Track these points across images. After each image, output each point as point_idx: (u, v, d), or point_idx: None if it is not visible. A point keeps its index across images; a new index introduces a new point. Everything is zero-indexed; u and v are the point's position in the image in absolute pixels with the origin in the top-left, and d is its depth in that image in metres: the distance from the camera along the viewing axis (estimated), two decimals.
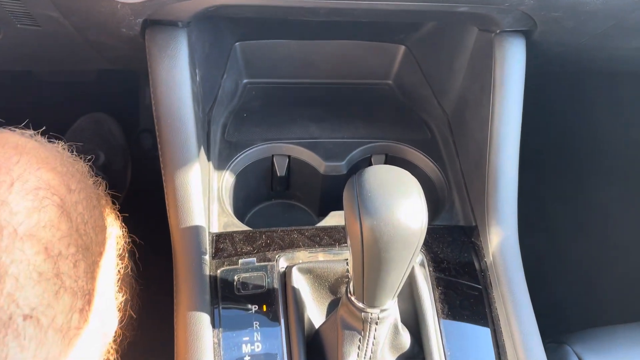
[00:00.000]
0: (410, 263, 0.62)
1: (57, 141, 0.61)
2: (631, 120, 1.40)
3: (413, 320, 0.78)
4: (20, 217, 0.49)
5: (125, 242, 0.71)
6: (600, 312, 1.37)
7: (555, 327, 1.07)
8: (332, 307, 0.81)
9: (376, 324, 0.68)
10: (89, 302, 0.54)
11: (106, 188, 0.69)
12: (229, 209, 0.91)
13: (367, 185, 0.58)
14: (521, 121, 0.90)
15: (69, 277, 0.51)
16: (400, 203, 0.57)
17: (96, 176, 0.66)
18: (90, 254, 0.56)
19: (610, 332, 1.04)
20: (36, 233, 0.49)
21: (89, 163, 0.67)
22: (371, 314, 0.67)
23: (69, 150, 0.62)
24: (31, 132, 0.59)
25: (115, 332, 0.70)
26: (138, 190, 1.45)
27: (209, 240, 0.82)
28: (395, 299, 0.69)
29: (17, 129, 0.58)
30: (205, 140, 0.93)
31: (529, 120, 0.93)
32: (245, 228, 0.87)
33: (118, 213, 0.72)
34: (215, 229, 0.86)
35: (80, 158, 0.63)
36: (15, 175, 0.50)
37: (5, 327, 0.44)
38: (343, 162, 0.99)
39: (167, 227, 0.82)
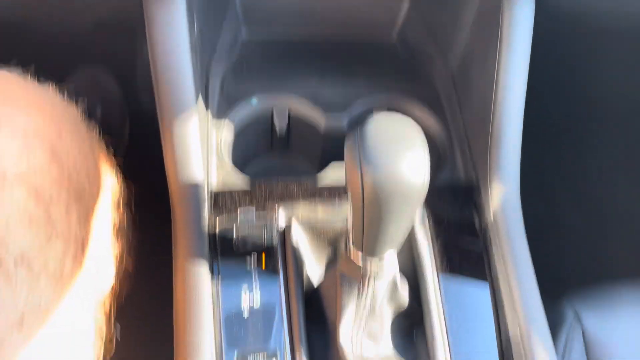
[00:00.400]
0: (412, 216, 0.61)
1: (47, 84, 0.59)
2: (637, 85, 1.38)
3: (412, 275, 0.78)
4: (8, 161, 0.47)
5: (120, 192, 0.70)
6: (600, 274, 1.37)
7: (554, 288, 1.08)
8: (332, 262, 0.81)
9: (375, 278, 0.68)
10: (83, 249, 0.53)
11: (100, 134, 0.67)
12: (228, 162, 0.90)
13: (370, 136, 0.57)
14: (527, 80, 0.88)
15: (61, 223, 0.50)
16: (403, 156, 0.56)
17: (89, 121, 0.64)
18: (84, 201, 0.55)
19: (609, 291, 1.05)
20: (26, 177, 0.48)
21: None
22: (370, 264, 0.67)
23: (60, 94, 0.59)
24: (21, 71, 0.56)
25: (112, 284, 0.69)
26: (136, 148, 1.43)
27: (207, 193, 0.81)
28: (395, 251, 0.68)
29: (5, 68, 0.55)
30: (203, 93, 0.91)
31: (532, 82, 0.91)
32: (245, 182, 0.86)
33: (113, 161, 0.70)
34: (214, 182, 0.85)
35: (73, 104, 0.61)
36: (2, 117, 0.49)
37: None
38: (344, 117, 0.97)
39: (166, 182, 0.81)
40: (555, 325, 0.97)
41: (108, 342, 0.61)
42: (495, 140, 0.86)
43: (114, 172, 0.69)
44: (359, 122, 0.60)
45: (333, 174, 0.89)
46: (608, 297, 1.05)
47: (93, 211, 0.57)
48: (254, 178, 0.87)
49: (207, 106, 0.92)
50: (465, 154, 0.94)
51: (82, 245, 0.53)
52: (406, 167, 0.55)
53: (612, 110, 1.41)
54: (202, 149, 0.81)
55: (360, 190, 0.57)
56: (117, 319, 0.66)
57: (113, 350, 0.61)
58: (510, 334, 0.75)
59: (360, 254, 0.67)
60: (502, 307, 0.77)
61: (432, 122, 0.99)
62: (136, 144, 1.41)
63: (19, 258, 0.45)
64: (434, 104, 1.01)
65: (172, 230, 0.77)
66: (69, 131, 0.55)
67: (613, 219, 1.44)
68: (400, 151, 0.56)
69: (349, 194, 0.60)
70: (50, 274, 0.48)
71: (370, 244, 0.65)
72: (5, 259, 0.44)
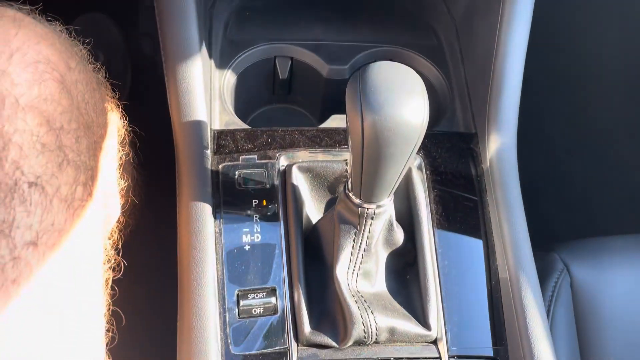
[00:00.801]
0: (409, 161, 0.63)
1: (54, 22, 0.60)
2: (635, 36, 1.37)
3: (407, 220, 0.81)
4: (21, 89, 0.49)
5: (126, 131, 0.72)
6: (592, 227, 1.41)
7: (546, 239, 1.11)
8: (330, 206, 0.83)
9: (372, 218, 0.71)
10: (92, 178, 0.56)
11: (106, 76, 0.68)
12: (231, 108, 0.91)
13: (371, 80, 0.58)
14: (529, 31, 0.88)
15: (71, 151, 0.52)
16: (402, 99, 0.57)
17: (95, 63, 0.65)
18: (92, 133, 0.57)
19: (598, 243, 1.08)
20: (38, 105, 0.50)
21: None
22: (367, 209, 0.69)
23: (66, 32, 0.61)
24: (29, 8, 0.58)
25: (118, 218, 0.72)
26: (139, 94, 1.44)
27: (210, 136, 0.83)
28: (392, 197, 0.71)
29: (13, 4, 0.57)
30: (207, 38, 0.92)
31: (534, 35, 0.91)
32: (247, 127, 0.88)
33: (118, 102, 0.72)
34: (217, 126, 0.86)
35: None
36: (14, 47, 0.50)
37: (11, 192, 0.46)
38: (346, 66, 0.98)
39: (168, 126, 0.82)
40: (545, 273, 1.01)
41: (114, 268, 0.64)
42: (495, 90, 0.87)
43: (119, 112, 0.71)
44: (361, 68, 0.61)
45: (334, 126, 0.90)
46: (598, 249, 1.08)
47: (101, 144, 0.59)
48: (255, 127, 0.88)
49: (210, 51, 0.92)
50: (465, 104, 0.95)
51: (91, 174, 0.55)
52: (405, 110, 0.57)
53: (612, 63, 1.41)
54: (205, 92, 0.82)
55: (360, 133, 0.58)
56: (123, 250, 0.69)
57: (118, 276, 0.64)
58: (500, 276, 0.78)
59: (358, 200, 0.69)
60: (494, 251, 0.80)
61: (434, 73, 1.00)
62: (138, 90, 1.41)
63: (33, 181, 0.48)
64: (436, 55, 1.01)
65: (176, 170, 0.79)
66: (76, 65, 0.57)
67: (611, 171, 1.46)
68: (400, 95, 0.57)
69: (349, 137, 0.61)
70: (63, 198, 0.50)
71: (367, 190, 0.67)
72: (20, 182, 0.47)
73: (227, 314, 0.72)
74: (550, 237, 1.14)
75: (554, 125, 1.54)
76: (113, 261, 0.65)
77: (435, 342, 0.74)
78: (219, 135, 0.84)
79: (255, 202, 0.79)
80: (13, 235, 0.46)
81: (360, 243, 0.73)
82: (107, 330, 0.62)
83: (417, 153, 0.86)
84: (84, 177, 0.54)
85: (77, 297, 0.54)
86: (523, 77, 0.89)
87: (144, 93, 1.32)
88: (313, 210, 0.83)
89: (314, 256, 0.78)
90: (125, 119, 0.74)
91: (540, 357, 0.70)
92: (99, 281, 0.59)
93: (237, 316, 0.72)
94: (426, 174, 0.85)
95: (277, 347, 0.71)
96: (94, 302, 0.57)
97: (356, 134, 0.59)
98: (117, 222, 0.71)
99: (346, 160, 0.83)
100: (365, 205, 0.69)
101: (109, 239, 0.66)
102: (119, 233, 0.69)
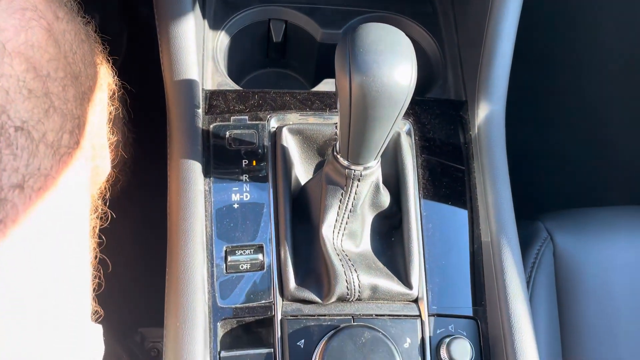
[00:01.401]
0: (395, 123, 0.64)
1: None
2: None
3: (394, 184, 0.82)
4: (7, 34, 0.49)
5: (116, 86, 0.72)
6: (579, 199, 1.42)
7: (532, 209, 1.13)
8: (319, 168, 0.84)
9: (358, 180, 0.72)
10: (79, 127, 0.56)
11: (97, 30, 0.69)
12: (224, 70, 0.91)
13: (360, 42, 0.58)
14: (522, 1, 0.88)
15: (58, 98, 0.53)
16: (390, 60, 0.58)
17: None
18: (80, 83, 0.58)
19: (583, 213, 1.10)
20: (24, 51, 0.50)
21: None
22: (354, 170, 0.71)
23: None
24: None
25: (108, 173, 0.73)
26: (134, 57, 1.43)
27: (202, 95, 0.83)
28: (379, 160, 0.72)
29: None
30: None
31: (527, 6, 0.91)
32: (238, 88, 0.88)
33: (110, 60, 0.73)
34: (209, 86, 0.87)
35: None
36: None
37: None
38: (340, 31, 0.98)
39: (162, 86, 0.83)
40: (528, 241, 1.03)
41: (101, 218, 0.65)
42: (486, 58, 0.88)
43: (110, 67, 0.72)
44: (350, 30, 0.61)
45: (325, 89, 0.91)
46: (583, 219, 1.10)
47: (89, 95, 0.60)
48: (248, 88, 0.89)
49: (203, 11, 0.92)
50: (457, 72, 0.96)
51: (78, 123, 0.56)
52: (393, 71, 0.57)
53: (608, 37, 1.41)
54: (197, 52, 0.83)
55: (348, 94, 0.59)
56: (113, 205, 0.71)
57: (105, 225, 0.66)
58: (482, 240, 0.80)
59: (345, 162, 0.70)
60: (477, 216, 0.82)
61: (427, 39, 1.00)
62: (133, 52, 1.41)
63: (19, 126, 0.49)
64: (430, 22, 1.01)
65: (168, 128, 0.80)
66: (64, 15, 0.57)
67: (601, 146, 1.47)
68: (389, 56, 0.58)
69: (338, 99, 0.62)
70: (49, 144, 0.51)
71: (355, 152, 0.68)
72: (7, 125, 0.48)
73: (214, 269, 0.74)
74: (537, 208, 1.16)
75: (547, 99, 1.54)
76: (100, 210, 0.67)
77: (416, 300, 0.76)
78: (211, 95, 0.85)
79: (245, 162, 0.80)
80: None
81: (347, 204, 0.74)
82: (94, 277, 0.63)
83: (407, 119, 0.87)
84: (71, 125, 0.55)
85: (63, 242, 0.55)
86: (516, 51, 0.89)
87: (139, 55, 1.31)
88: (302, 172, 0.84)
89: (302, 216, 0.79)
90: (116, 75, 0.74)
91: (516, 317, 0.73)
92: (85, 228, 0.60)
93: (225, 271, 0.74)
94: (415, 140, 0.86)
95: (263, 301, 0.73)
96: (81, 248, 0.59)
97: (344, 95, 0.60)
98: (107, 176, 0.73)
99: (336, 123, 0.84)
100: (352, 167, 0.70)
101: (97, 188, 0.67)
102: (108, 186, 0.71)
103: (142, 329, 1.25)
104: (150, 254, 0.86)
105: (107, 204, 0.69)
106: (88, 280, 0.60)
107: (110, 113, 0.69)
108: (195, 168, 0.77)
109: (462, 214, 0.82)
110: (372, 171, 0.72)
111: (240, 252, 0.75)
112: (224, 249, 0.75)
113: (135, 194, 0.93)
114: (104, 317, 0.67)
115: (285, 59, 1.08)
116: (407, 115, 0.87)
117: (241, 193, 0.78)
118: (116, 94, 0.71)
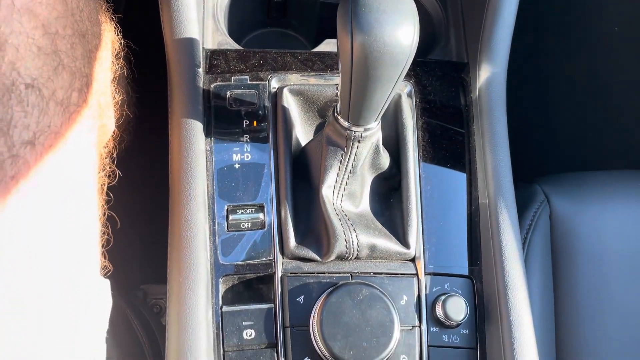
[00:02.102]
0: (397, 84, 0.64)
1: None
2: None
3: (394, 146, 0.83)
4: None
5: (120, 44, 0.72)
6: (578, 163, 1.43)
7: (531, 173, 1.14)
8: (320, 129, 0.85)
9: (358, 142, 0.73)
10: (87, 85, 0.57)
11: None
12: (224, 29, 0.91)
13: (362, 1, 0.58)
14: None
15: (66, 56, 0.53)
16: (392, 20, 0.57)
17: None
18: (86, 41, 0.58)
19: (581, 177, 1.11)
20: (33, 8, 0.50)
21: None
22: (355, 132, 0.71)
23: None
24: None
25: (113, 132, 0.74)
26: (134, 16, 1.41)
27: (202, 55, 0.83)
28: (379, 121, 0.72)
29: None
30: None
31: None
32: (239, 47, 0.88)
33: (113, 17, 0.72)
34: (210, 45, 0.86)
35: None
36: None
37: (8, 92, 0.48)
38: None
39: (163, 44, 0.82)
40: (525, 203, 1.04)
41: (109, 176, 0.66)
42: (489, 20, 0.87)
43: (113, 24, 0.71)
44: None
45: (327, 50, 0.90)
46: (580, 183, 1.11)
47: (95, 53, 0.60)
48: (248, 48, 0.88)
49: None
50: (459, 33, 0.95)
51: (86, 81, 0.56)
52: (395, 31, 0.57)
53: (619, 12, 1.39)
54: (197, 9, 0.82)
55: (349, 53, 0.59)
56: (118, 163, 0.72)
57: (113, 183, 0.67)
58: (480, 202, 0.81)
59: (346, 123, 0.70)
60: (476, 178, 0.83)
61: (430, 1, 0.99)
62: (133, 10, 1.39)
63: (30, 83, 0.49)
64: None
65: (169, 88, 0.80)
66: None
67: (603, 112, 1.47)
68: (391, 16, 0.58)
69: (339, 59, 0.62)
70: (59, 102, 0.52)
71: (355, 113, 0.68)
72: (18, 82, 0.48)
73: (216, 227, 0.75)
74: (535, 172, 1.17)
75: (550, 65, 1.53)
76: (108, 169, 0.68)
77: (413, 260, 0.78)
78: (211, 54, 0.85)
79: (245, 122, 0.81)
80: (11, 133, 0.48)
81: (347, 165, 0.75)
82: (103, 233, 0.65)
83: (408, 80, 0.87)
84: (79, 83, 0.55)
85: (74, 199, 0.56)
86: (518, 15, 0.88)
87: (139, 13, 1.30)
88: (302, 133, 0.85)
89: (302, 177, 0.80)
90: (120, 33, 0.74)
91: (511, 276, 0.75)
92: (94, 185, 0.61)
93: (226, 229, 0.75)
94: (415, 102, 0.86)
95: (264, 259, 0.75)
96: (90, 205, 0.60)
97: (345, 54, 0.60)
98: (112, 135, 0.73)
99: (337, 84, 0.83)
100: (352, 129, 0.71)
101: (104, 147, 0.68)
102: (114, 144, 0.71)
103: (144, 286, 1.28)
104: (153, 212, 0.87)
105: (115, 161, 0.70)
106: (97, 236, 0.62)
107: (115, 72, 0.70)
108: (196, 127, 0.77)
109: (461, 176, 0.83)
110: (373, 133, 0.73)
111: (241, 211, 0.77)
112: (226, 208, 0.76)
113: (139, 154, 0.94)
114: (110, 275, 0.68)
115: (286, 19, 1.07)
116: (408, 76, 0.87)
117: (242, 153, 0.79)
118: (121, 53, 0.71)
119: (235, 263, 0.74)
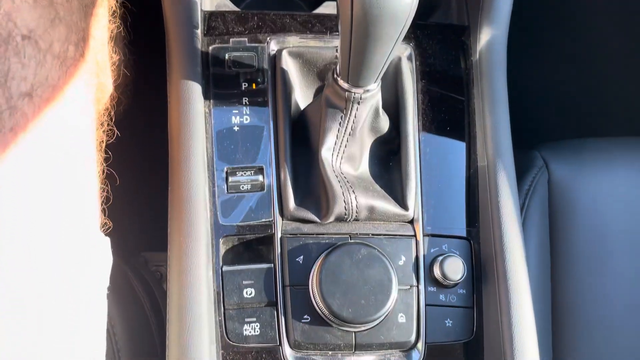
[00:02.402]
0: (396, 44, 0.63)
1: None
2: None
3: (394, 109, 0.83)
4: None
5: (116, 3, 0.72)
6: (579, 130, 1.43)
7: (529, 138, 1.14)
8: (319, 92, 0.84)
9: (358, 103, 0.73)
10: (84, 40, 0.57)
11: None
12: None
13: None
14: None
15: (63, 9, 0.53)
16: None
17: None
18: None
19: (580, 143, 1.11)
20: None
21: None
22: (354, 93, 0.71)
23: None
24: None
25: (111, 93, 0.74)
26: None
27: (200, 17, 0.82)
28: (379, 83, 0.72)
29: None
30: None
31: None
32: (237, 9, 0.87)
33: None
34: (208, 7, 0.85)
35: None
36: None
37: (5, 43, 0.47)
38: None
39: (160, 4, 0.81)
40: (524, 169, 1.04)
41: (107, 133, 0.66)
42: None
43: None
44: None
45: (326, 12, 0.89)
46: (579, 149, 1.11)
47: (92, 9, 0.60)
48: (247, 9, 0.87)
49: None
50: None
51: (83, 35, 0.56)
52: None
53: None
54: None
55: (349, 12, 0.59)
56: (117, 124, 0.72)
57: (111, 141, 0.67)
58: (479, 164, 0.82)
59: (345, 84, 0.70)
60: (475, 141, 0.83)
61: None
62: None
63: (26, 34, 0.49)
64: None
65: (167, 51, 0.80)
66: None
67: (604, 79, 1.46)
68: None
69: (339, 19, 0.61)
70: (55, 55, 0.52)
71: (355, 73, 0.68)
72: (14, 34, 0.48)
73: (216, 188, 0.76)
74: (537, 140, 1.16)
75: (548, 31, 1.51)
76: (106, 126, 0.68)
77: (411, 222, 0.78)
78: (210, 16, 0.84)
79: (244, 84, 0.80)
80: (9, 85, 0.48)
81: (346, 127, 0.75)
82: (102, 190, 0.65)
83: (408, 44, 0.86)
84: (76, 37, 0.55)
85: (72, 153, 0.56)
86: None
87: None
88: (302, 96, 0.84)
89: (301, 139, 0.80)
90: None
91: (508, 237, 0.75)
92: (92, 141, 0.62)
93: (226, 191, 0.76)
94: (415, 65, 0.86)
95: (263, 220, 0.75)
96: (88, 160, 0.60)
97: (345, 13, 0.59)
98: (110, 96, 0.73)
99: (337, 47, 0.83)
100: (352, 90, 0.71)
101: (101, 106, 0.68)
102: (112, 104, 0.71)
103: (145, 253, 1.29)
104: (152, 176, 0.88)
105: (113, 119, 0.70)
106: (96, 191, 0.62)
107: (111, 31, 0.69)
108: (195, 89, 0.77)
109: (460, 139, 0.83)
110: (372, 94, 0.72)
111: (240, 173, 0.77)
112: (225, 169, 0.77)
113: (138, 116, 0.94)
114: (111, 239, 0.69)
115: None
116: (408, 39, 0.86)
117: (241, 116, 0.79)
118: (117, 11, 0.70)
119: (235, 224, 0.75)
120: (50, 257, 0.53)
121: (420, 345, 0.74)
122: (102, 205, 0.65)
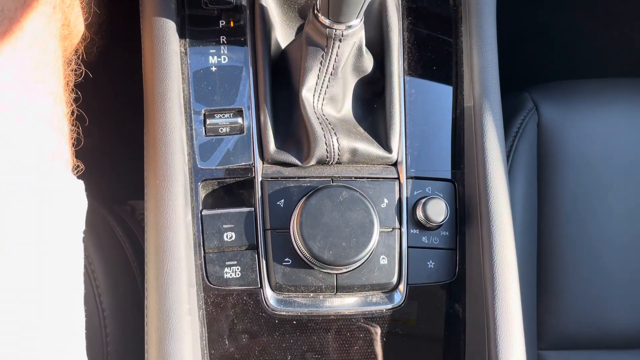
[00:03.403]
0: None
1: None
2: None
3: (379, 48, 0.80)
4: None
5: None
6: (574, 71, 1.39)
7: (520, 81, 1.11)
8: (300, 31, 0.81)
9: (340, 40, 0.70)
10: None
11: None
12: None
13: None
14: None
15: None
16: None
17: None
18: None
19: (571, 85, 1.09)
20: None
21: None
22: (336, 30, 0.68)
23: None
24: None
25: (83, 33, 0.70)
26: None
27: None
28: (361, 19, 0.69)
29: None
30: None
31: None
32: None
33: None
34: None
35: None
36: None
37: None
38: None
39: None
40: (514, 111, 1.02)
41: (75, 72, 0.64)
42: None
43: None
44: None
45: None
46: (570, 91, 1.09)
47: None
48: None
49: None
50: None
51: None
52: None
53: None
54: None
55: None
56: (90, 66, 0.69)
57: (79, 80, 0.64)
58: (465, 105, 0.79)
59: (327, 21, 0.67)
60: (462, 81, 0.80)
61: None
62: None
63: None
64: None
65: None
66: None
67: (599, 23, 1.42)
68: None
69: None
70: None
71: (336, 7, 0.64)
72: None
73: (193, 132, 0.73)
74: (528, 82, 1.14)
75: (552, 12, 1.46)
76: (74, 64, 0.65)
77: (395, 164, 0.77)
78: None
79: (222, 22, 0.77)
80: None
81: (328, 66, 0.72)
82: (72, 132, 0.63)
83: None
84: None
85: (33, 89, 0.54)
86: None
87: None
88: (282, 35, 0.81)
89: (282, 81, 0.77)
90: None
91: (492, 178, 0.74)
92: (58, 79, 0.59)
93: (204, 134, 0.74)
94: (401, 1, 0.82)
95: (243, 164, 0.73)
96: (54, 98, 0.58)
97: None
98: (82, 36, 0.70)
99: None
100: (334, 26, 0.67)
101: (69, 42, 0.65)
102: (83, 46, 0.68)
103: (131, 201, 1.28)
104: (128, 109, 0.85)
105: (81, 57, 0.66)
106: (65, 130, 0.60)
107: None
108: (169, 26, 0.74)
109: (447, 79, 0.80)
110: (355, 31, 0.69)
111: (219, 115, 0.75)
112: (203, 112, 0.74)
113: (114, 57, 0.90)
114: (91, 186, 0.67)
115: None
116: None
117: (219, 56, 0.76)
118: None
119: (214, 167, 0.73)
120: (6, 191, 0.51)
121: (402, 286, 0.74)
122: (72, 147, 0.63)
